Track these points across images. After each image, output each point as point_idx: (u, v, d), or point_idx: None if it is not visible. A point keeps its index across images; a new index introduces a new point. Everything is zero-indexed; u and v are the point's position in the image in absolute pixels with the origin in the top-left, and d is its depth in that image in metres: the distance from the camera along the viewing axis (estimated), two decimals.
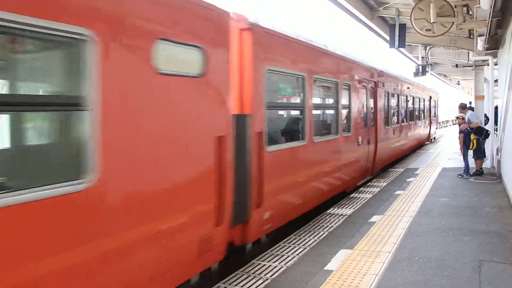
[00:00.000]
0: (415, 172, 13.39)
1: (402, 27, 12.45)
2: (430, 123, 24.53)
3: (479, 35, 12.78)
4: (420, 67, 19.40)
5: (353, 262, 5.64)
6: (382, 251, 6.03)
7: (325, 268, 5.50)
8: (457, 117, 13.32)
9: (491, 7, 8.24)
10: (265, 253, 6.25)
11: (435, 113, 27.19)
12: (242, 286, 5.10)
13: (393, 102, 15.14)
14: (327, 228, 7.44)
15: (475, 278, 5.05)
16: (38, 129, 4.56)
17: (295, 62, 7.37)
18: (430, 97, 24.38)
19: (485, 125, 13.95)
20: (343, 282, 5.00)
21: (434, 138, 27.53)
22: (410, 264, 5.55)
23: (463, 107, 13.01)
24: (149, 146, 4.02)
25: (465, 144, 12.34)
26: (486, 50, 13.20)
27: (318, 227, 7.50)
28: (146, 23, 3.96)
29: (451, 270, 5.30)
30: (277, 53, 6.79)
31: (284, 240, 6.81)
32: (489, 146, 13.71)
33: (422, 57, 19.52)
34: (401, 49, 17.55)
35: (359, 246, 6.27)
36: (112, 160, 3.58)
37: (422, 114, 21.54)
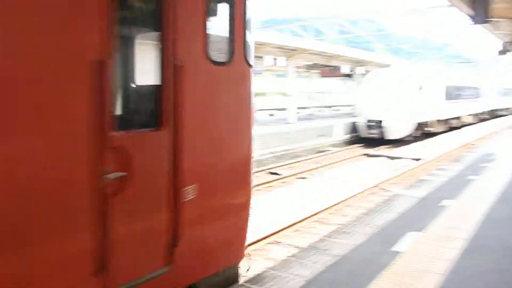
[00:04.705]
0: (492, 157, 12.68)
1: None
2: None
3: None
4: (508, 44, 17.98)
5: (423, 245, 5.55)
6: (455, 237, 5.87)
7: (393, 249, 5.48)
8: None
9: None
10: (335, 230, 6.33)
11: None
12: (311, 262, 5.23)
13: None
14: (397, 209, 7.34)
15: None
16: None
17: None
18: None
19: None
20: (413, 265, 4.96)
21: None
22: (487, 252, 5.36)
23: None
24: None
25: None
26: None
27: (388, 208, 7.42)
28: None
29: None
30: None
31: (354, 219, 6.85)
32: None
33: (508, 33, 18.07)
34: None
35: (430, 230, 6.14)
36: None
37: None
